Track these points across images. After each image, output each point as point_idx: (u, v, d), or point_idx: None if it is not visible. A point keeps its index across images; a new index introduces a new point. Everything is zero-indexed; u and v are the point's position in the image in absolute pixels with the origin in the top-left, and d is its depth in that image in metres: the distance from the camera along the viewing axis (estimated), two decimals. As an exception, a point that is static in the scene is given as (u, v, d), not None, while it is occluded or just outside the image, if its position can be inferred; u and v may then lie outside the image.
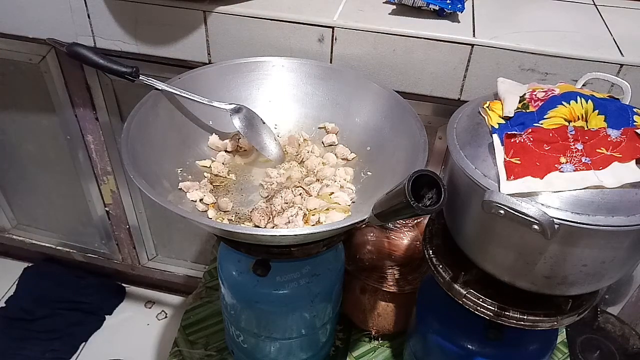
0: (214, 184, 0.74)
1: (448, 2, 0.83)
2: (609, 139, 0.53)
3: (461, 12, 0.84)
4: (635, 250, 0.55)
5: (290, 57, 0.84)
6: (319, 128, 0.83)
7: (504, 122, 0.58)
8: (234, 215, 0.70)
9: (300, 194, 0.71)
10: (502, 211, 0.50)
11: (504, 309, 0.62)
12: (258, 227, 0.68)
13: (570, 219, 0.49)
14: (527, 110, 0.58)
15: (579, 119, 0.55)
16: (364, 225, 0.90)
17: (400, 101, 0.76)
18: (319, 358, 0.89)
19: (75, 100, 1.11)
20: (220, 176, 0.76)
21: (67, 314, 1.43)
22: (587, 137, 0.53)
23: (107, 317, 1.47)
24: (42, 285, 1.49)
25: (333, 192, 0.72)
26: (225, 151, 0.79)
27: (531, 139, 0.54)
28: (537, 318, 0.61)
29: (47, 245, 1.49)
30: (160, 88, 0.74)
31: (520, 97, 0.61)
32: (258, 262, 0.68)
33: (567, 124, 0.55)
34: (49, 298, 1.45)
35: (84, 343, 1.40)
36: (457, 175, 0.60)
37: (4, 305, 1.45)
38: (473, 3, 0.91)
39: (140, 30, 0.91)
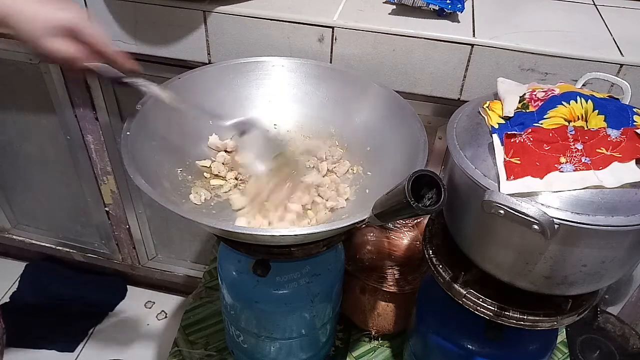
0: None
1: (448, 2, 0.83)
2: (608, 139, 0.53)
3: (461, 12, 0.84)
4: (635, 250, 0.55)
5: (290, 57, 0.84)
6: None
7: (504, 122, 0.58)
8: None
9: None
10: (502, 211, 0.50)
11: (503, 309, 0.62)
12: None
13: (570, 219, 0.49)
14: (527, 110, 0.58)
15: (578, 119, 0.55)
16: (364, 225, 0.90)
17: (400, 101, 0.75)
18: (319, 358, 0.89)
19: (75, 100, 1.11)
20: (220, 176, 0.76)
21: (71, 308, 1.43)
22: (587, 137, 0.53)
23: (108, 315, 1.47)
24: (46, 281, 1.49)
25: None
26: (225, 151, 0.79)
27: (531, 139, 0.54)
28: (537, 318, 0.61)
29: (46, 245, 1.49)
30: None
31: (520, 97, 0.61)
32: (258, 262, 0.68)
33: (567, 124, 0.55)
34: (52, 292, 1.46)
35: (84, 340, 1.40)
36: (457, 175, 0.60)
37: (8, 300, 1.46)
38: (473, 3, 0.91)
39: (140, 30, 0.91)
